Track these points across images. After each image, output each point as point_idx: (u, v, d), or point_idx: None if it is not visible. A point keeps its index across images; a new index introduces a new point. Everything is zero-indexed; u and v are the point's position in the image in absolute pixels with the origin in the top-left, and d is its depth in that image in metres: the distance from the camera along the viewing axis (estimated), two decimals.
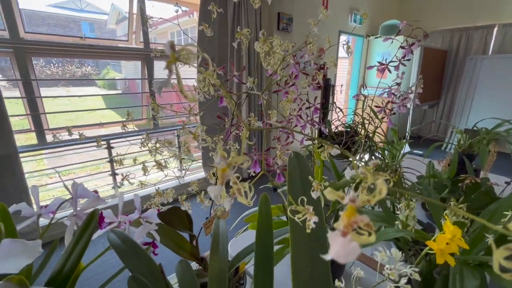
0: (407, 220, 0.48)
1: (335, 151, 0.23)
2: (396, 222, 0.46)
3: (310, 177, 0.29)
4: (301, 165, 0.34)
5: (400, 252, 0.39)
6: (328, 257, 0.11)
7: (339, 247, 0.11)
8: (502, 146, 1.51)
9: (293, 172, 0.33)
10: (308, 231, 0.21)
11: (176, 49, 0.13)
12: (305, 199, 0.23)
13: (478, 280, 0.38)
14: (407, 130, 3.37)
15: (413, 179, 0.89)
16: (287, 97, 0.42)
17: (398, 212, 0.52)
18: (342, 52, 4.58)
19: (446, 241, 0.30)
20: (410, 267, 0.33)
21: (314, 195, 0.27)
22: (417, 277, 0.31)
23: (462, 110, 3.84)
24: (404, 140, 1.28)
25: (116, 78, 6.85)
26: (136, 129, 2.88)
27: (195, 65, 0.16)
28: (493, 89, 3.60)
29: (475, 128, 1.28)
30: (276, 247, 0.54)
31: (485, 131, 1.20)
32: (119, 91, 6.39)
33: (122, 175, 0.43)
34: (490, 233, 0.46)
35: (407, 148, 1.60)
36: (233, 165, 0.13)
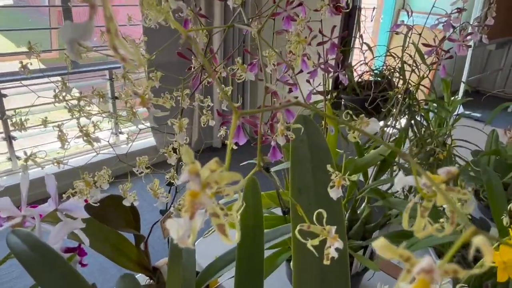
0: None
1: (373, 127, 0.22)
2: (441, 220, 0.49)
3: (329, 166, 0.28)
4: (311, 137, 0.33)
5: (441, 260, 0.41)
6: None
7: None
8: None
9: (298, 147, 0.33)
10: (326, 262, 0.22)
11: None
12: (323, 213, 0.23)
13: None
14: (462, 82, 3.43)
15: (467, 156, 0.92)
16: (293, 32, 0.40)
17: (442, 206, 0.54)
18: None
19: None
20: (462, 286, 0.35)
21: (333, 194, 0.27)
22: None
23: None
24: (458, 97, 1.31)
25: None
26: (43, 66, 2.72)
27: None
28: None
29: None
30: (266, 253, 0.56)
31: None
32: (10, 1, 5.92)
33: (25, 153, 0.41)
34: None
35: (460, 110, 1.64)
36: (211, 186, 0.12)
